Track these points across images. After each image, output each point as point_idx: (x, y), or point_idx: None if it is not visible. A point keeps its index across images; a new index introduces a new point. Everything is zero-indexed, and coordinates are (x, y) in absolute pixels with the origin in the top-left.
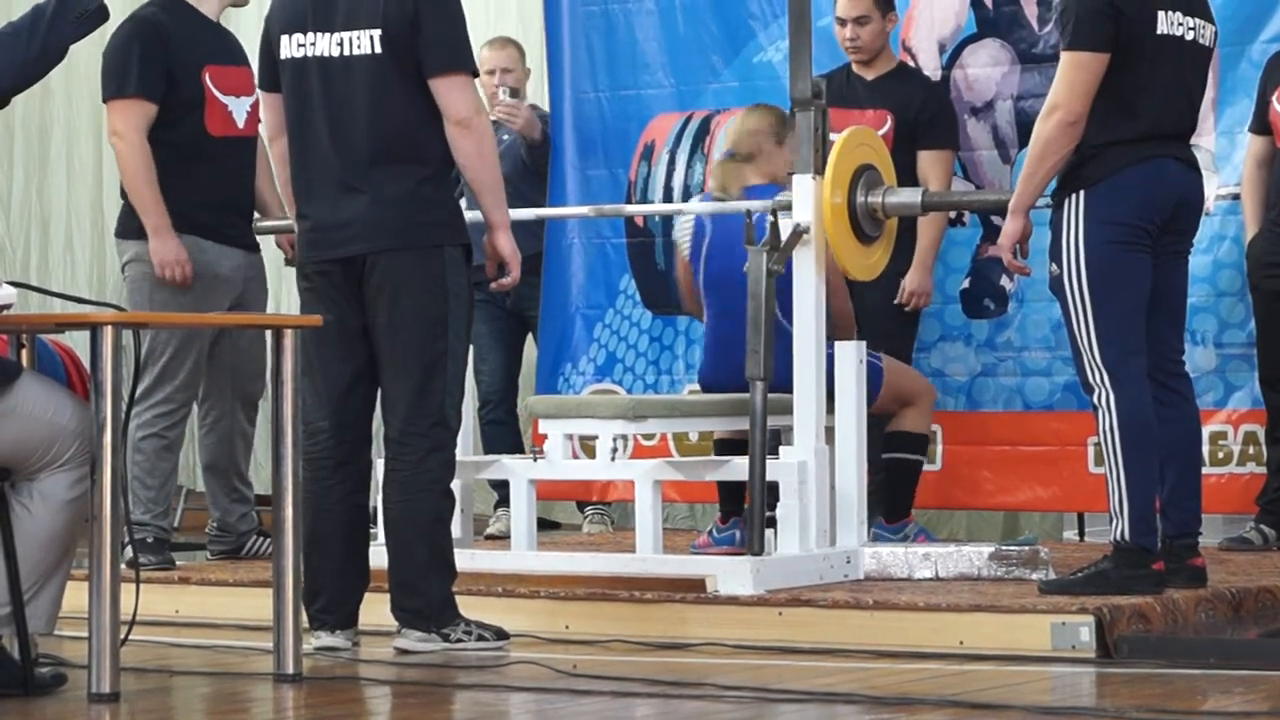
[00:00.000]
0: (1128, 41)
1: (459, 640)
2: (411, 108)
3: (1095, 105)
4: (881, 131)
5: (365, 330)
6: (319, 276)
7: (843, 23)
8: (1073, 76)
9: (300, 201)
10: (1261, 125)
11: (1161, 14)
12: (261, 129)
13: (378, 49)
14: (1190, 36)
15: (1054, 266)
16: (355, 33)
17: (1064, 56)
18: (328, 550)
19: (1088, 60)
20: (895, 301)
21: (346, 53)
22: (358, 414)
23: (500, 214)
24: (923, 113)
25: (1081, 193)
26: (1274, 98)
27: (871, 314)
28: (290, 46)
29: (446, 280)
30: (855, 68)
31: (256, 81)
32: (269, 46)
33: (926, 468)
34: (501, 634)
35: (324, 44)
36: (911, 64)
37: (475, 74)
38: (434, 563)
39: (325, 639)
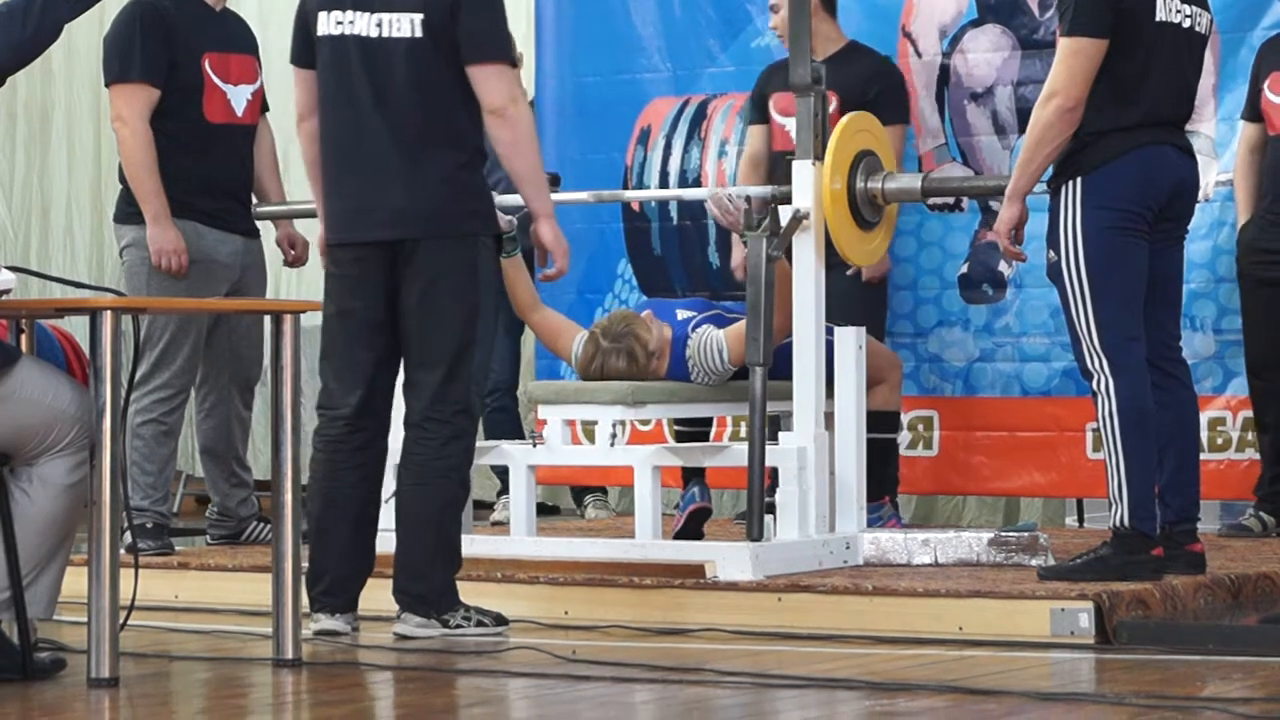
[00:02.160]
0: (1126, 28)
1: (458, 626)
2: (450, 93)
3: (1093, 92)
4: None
5: (390, 317)
6: (351, 261)
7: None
8: (1071, 62)
9: (331, 182)
10: (1254, 113)
11: (1160, 1)
12: (266, 115)
13: (418, 33)
14: (1188, 24)
15: (1051, 253)
16: (395, 15)
17: (1062, 42)
18: (336, 534)
19: (1086, 46)
20: (862, 280)
21: (385, 34)
22: (378, 400)
23: (542, 203)
24: (869, 89)
25: (1079, 179)
26: (1265, 85)
27: (838, 298)
28: (328, 23)
29: (480, 269)
30: None
31: (290, 57)
32: (304, 22)
33: (923, 453)
34: (501, 619)
35: (362, 23)
36: (912, 48)
37: (515, 64)
38: (440, 549)
39: (326, 622)
